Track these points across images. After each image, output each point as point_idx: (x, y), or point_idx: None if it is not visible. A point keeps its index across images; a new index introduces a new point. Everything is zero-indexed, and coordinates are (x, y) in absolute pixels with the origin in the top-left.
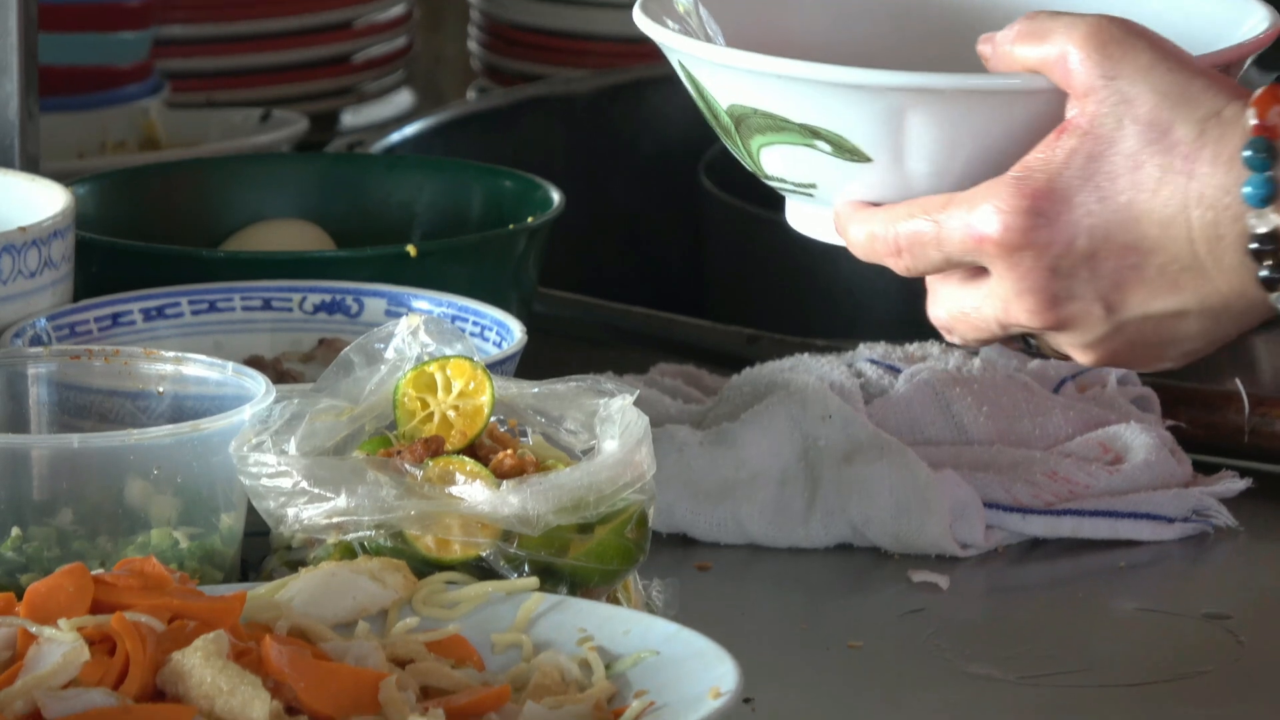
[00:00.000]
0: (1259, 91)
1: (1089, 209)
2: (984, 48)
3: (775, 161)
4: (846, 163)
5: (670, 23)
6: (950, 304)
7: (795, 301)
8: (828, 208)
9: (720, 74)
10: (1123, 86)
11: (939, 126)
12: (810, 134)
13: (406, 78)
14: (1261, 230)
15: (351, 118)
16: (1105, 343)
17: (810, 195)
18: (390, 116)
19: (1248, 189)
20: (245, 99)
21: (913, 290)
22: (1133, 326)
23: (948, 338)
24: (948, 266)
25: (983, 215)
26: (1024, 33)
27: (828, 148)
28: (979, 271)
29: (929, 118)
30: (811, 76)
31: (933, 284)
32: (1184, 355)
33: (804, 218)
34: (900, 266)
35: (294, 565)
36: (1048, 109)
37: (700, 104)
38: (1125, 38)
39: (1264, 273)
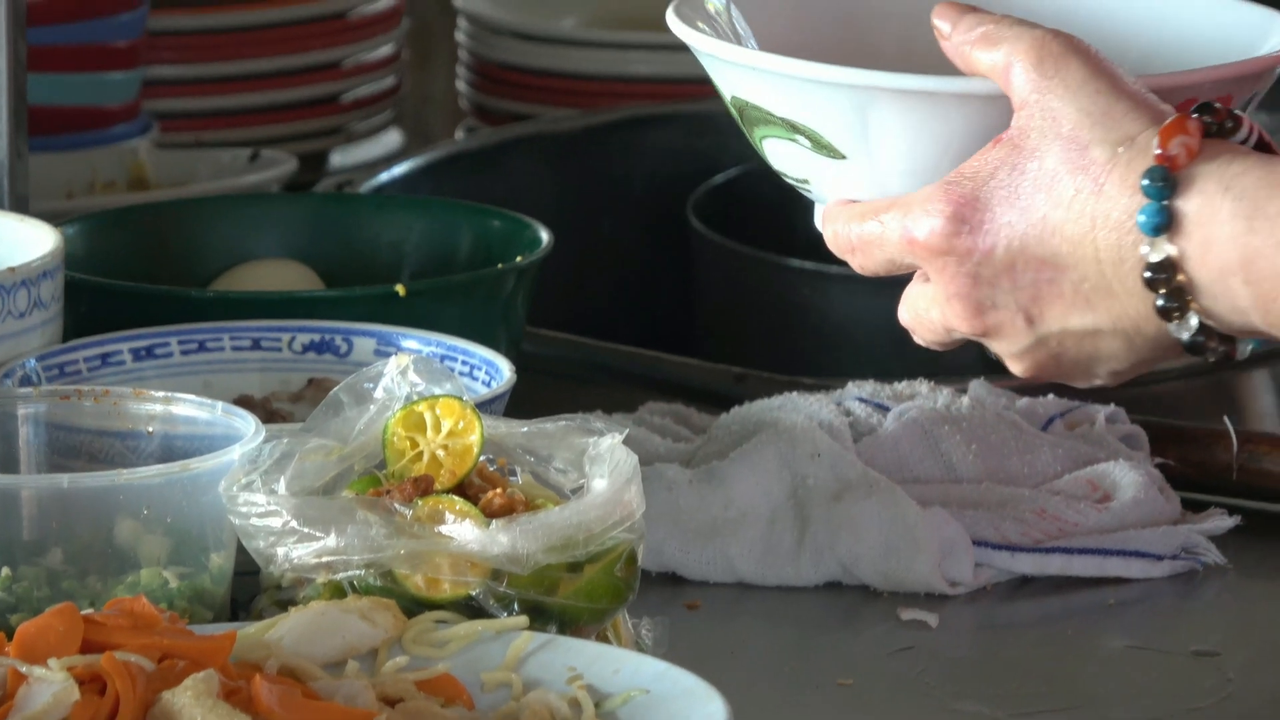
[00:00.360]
0: (1169, 120)
1: (1009, 220)
2: (941, 24)
3: (774, 153)
4: (826, 159)
5: (701, 25)
6: (911, 304)
7: (784, 340)
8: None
9: (714, 64)
10: (1051, 102)
11: (901, 125)
12: (791, 128)
13: (395, 117)
14: (1155, 259)
15: (340, 158)
16: (1030, 354)
17: (807, 190)
18: (379, 156)
19: (1142, 217)
20: (234, 139)
21: (900, 329)
22: (1054, 340)
23: (914, 338)
24: (893, 268)
25: (914, 218)
26: (981, 36)
27: (808, 143)
28: None
29: (890, 116)
30: (774, 69)
31: (909, 287)
32: (1112, 374)
33: (818, 216)
34: (855, 264)
35: (284, 604)
36: (1000, 115)
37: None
38: (1063, 54)
39: (1160, 301)
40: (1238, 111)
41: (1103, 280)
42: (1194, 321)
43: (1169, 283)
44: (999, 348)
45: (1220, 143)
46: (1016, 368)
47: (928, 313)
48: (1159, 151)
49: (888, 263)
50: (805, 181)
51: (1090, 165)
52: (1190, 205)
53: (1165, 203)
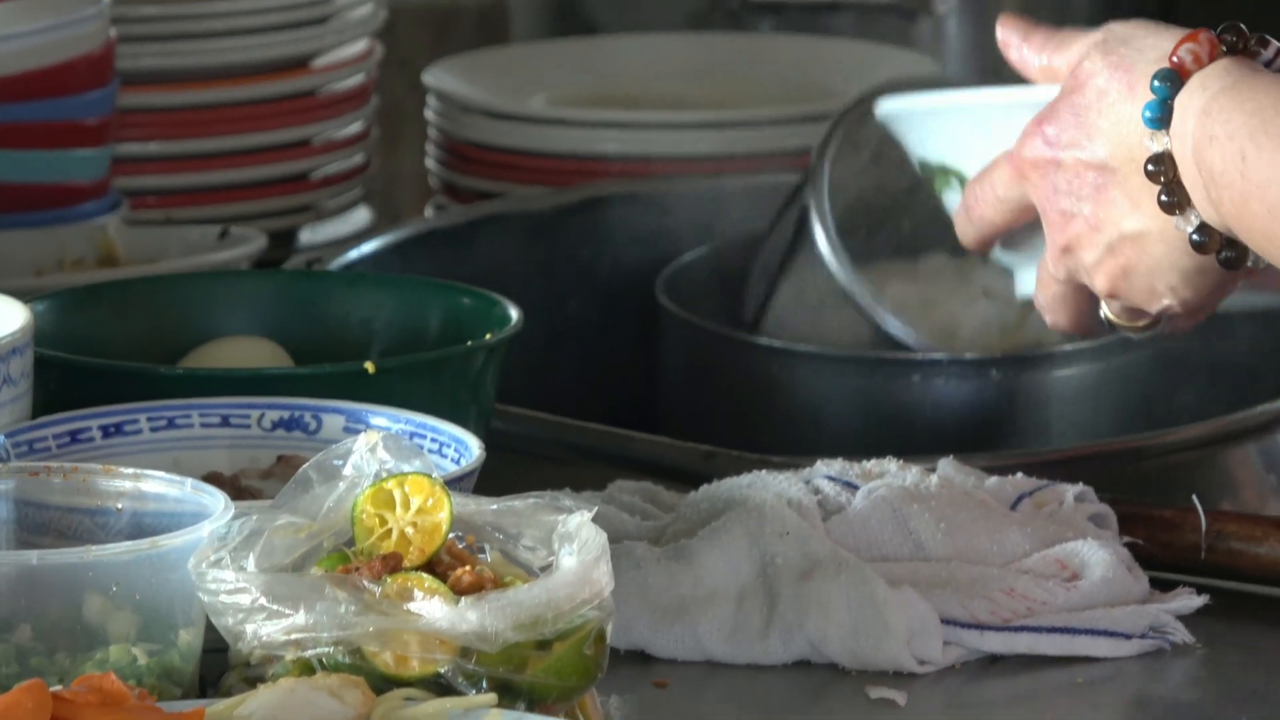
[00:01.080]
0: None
1: (1073, 133)
2: (1009, 36)
3: (951, 204)
4: None
5: None
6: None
7: (752, 418)
8: None
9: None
10: (1110, 45)
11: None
12: (945, 172)
13: (364, 195)
14: (1155, 150)
15: (310, 235)
16: (1105, 265)
17: None
18: (348, 234)
19: (1146, 112)
20: (203, 216)
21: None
22: (1119, 248)
23: (1045, 316)
24: (1000, 206)
25: (1015, 144)
26: (1056, 44)
27: (958, 184)
28: None
29: (1001, 131)
30: (913, 108)
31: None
32: (1171, 290)
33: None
34: (969, 206)
35: (252, 682)
36: None
37: None
38: (1120, 28)
39: (1162, 195)
40: (1268, 36)
41: (1138, 178)
42: (1194, 218)
43: (1167, 175)
44: (1082, 260)
45: (1235, 57)
46: (1097, 283)
47: (1044, 255)
48: (1174, 59)
49: (995, 200)
50: None
51: (1130, 78)
52: (1180, 102)
53: (1166, 99)
